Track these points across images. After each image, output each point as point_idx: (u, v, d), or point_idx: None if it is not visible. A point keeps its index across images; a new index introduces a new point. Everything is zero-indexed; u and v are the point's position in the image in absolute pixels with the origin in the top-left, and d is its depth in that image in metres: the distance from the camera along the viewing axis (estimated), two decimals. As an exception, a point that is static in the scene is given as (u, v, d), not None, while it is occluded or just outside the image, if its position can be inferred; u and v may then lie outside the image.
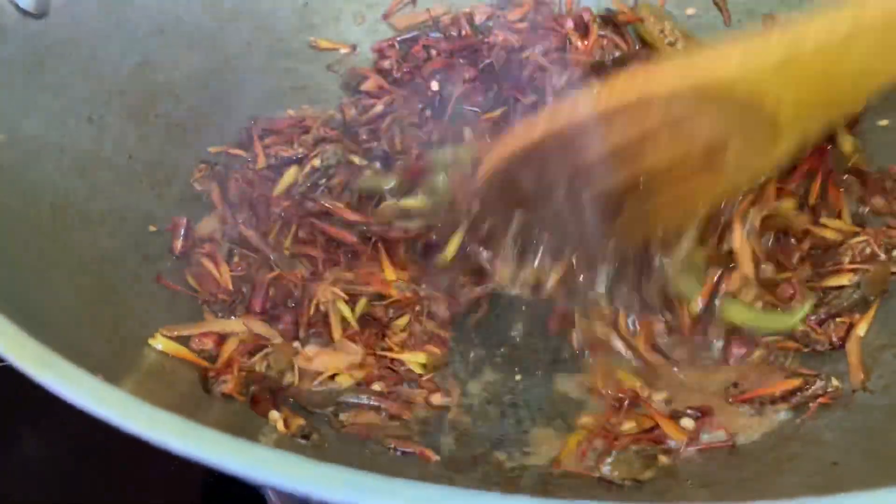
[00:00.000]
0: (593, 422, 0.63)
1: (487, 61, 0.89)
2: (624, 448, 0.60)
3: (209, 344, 0.64)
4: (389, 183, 0.76)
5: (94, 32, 0.73)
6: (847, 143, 0.78)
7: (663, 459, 0.60)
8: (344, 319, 0.70)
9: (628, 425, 0.62)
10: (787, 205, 0.71)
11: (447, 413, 0.66)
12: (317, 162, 0.79)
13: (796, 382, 0.64)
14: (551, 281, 0.70)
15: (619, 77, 0.58)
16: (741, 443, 0.61)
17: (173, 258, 0.71)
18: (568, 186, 0.62)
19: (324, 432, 0.62)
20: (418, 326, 0.69)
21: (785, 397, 0.63)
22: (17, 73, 0.65)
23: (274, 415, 0.61)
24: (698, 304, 0.66)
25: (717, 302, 0.66)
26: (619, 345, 0.68)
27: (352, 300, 0.71)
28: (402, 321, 0.70)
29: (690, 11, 0.91)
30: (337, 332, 0.68)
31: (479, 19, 0.93)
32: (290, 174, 0.79)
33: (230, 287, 0.70)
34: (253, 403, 0.61)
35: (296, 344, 0.67)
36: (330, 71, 0.91)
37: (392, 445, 0.62)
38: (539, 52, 0.87)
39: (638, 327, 0.68)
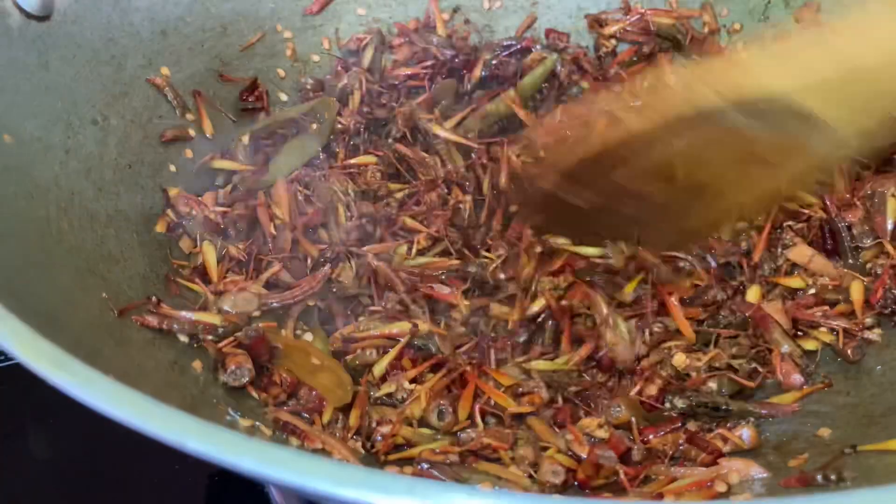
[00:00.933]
0: None
1: (495, 63, 0.91)
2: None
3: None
4: None
5: (98, 34, 0.73)
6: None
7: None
8: None
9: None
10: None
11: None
12: None
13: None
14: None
15: (669, 86, 0.58)
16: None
17: (179, 258, 0.72)
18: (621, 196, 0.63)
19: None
20: None
21: None
22: (22, 75, 0.65)
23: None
24: None
25: None
26: None
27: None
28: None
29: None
30: None
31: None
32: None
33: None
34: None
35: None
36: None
37: None
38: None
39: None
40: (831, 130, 0.50)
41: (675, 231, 0.68)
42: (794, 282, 0.72)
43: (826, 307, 0.70)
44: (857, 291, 0.69)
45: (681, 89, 0.57)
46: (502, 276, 0.74)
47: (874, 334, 0.67)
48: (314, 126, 0.84)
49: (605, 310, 0.68)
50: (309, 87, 0.89)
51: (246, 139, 0.81)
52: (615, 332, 0.67)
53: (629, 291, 0.71)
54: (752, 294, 0.71)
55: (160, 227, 0.73)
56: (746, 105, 0.51)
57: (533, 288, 0.73)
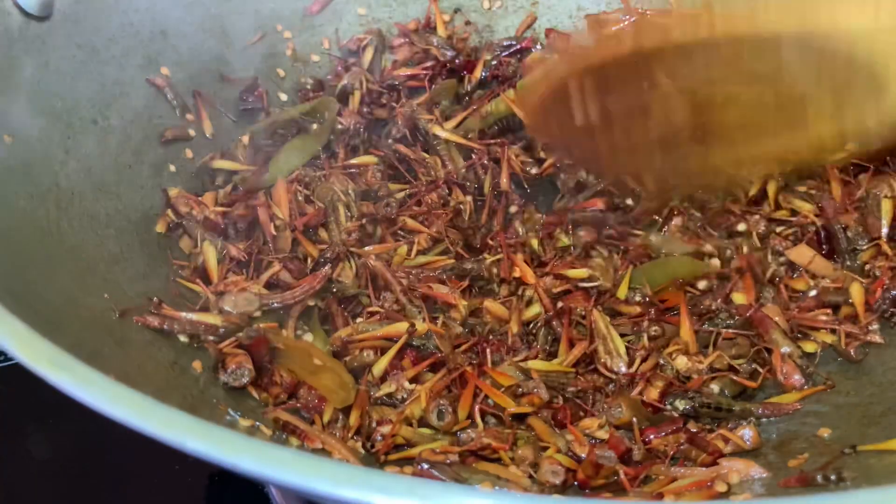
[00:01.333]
0: None
1: (495, 63, 0.91)
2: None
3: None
4: None
5: (97, 34, 0.73)
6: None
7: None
8: None
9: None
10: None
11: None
12: None
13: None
14: None
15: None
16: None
17: (179, 258, 0.72)
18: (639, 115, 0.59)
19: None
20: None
21: None
22: (21, 74, 0.65)
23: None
24: None
25: None
26: None
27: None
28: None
29: None
30: None
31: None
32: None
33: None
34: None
35: None
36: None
37: None
38: None
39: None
40: (886, 92, 0.48)
41: (687, 165, 0.64)
42: (799, 284, 0.72)
43: (828, 310, 0.70)
44: (857, 294, 0.69)
45: (745, 6, 0.53)
46: (496, 270, 0.74)
47: (876, 336, 0.67)
48: (314, 126, 0.84)
49: (602, 327, 0.68)
50: (309, 87, 0.89)
51: (246, 139, 0.81)
52: (610, 347, 0.67)
53: (622, 296, 0.72)
54: (739, 297, 0.71)
55: (160, 227, 0.73)
56: (807, 40, 0.49)
57: (527, 294, 0.73)
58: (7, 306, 0.42)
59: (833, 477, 0.53)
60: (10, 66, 0.64)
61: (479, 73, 0.91)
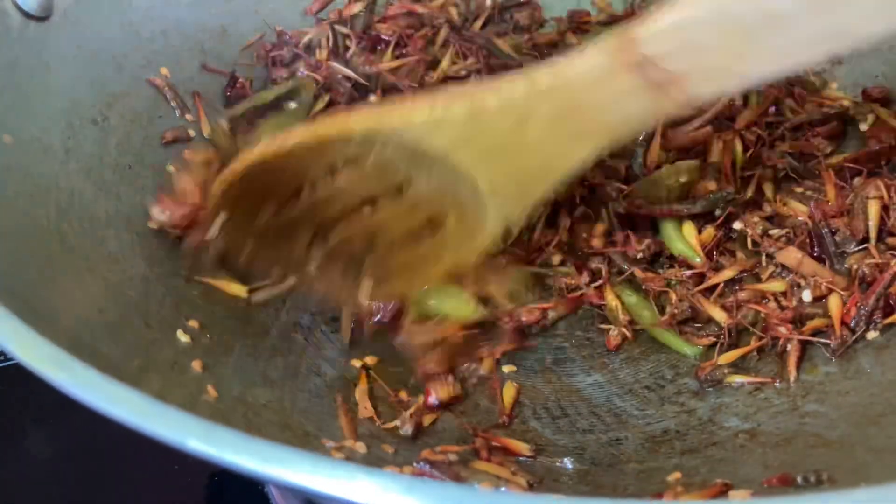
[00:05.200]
0: None
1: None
2: None
3: None
4: None
5: (97, 34, 0.73)
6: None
7: None
8: None
9: None
10: None
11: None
12: None
13: None
14: None
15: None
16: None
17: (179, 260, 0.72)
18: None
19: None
20: None
21: None
22: (21, 75, 0.65)
23: None
24: None
25: None
26: None
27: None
28: None
29: None
30: None
31: None
32: None
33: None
34: None
35: None
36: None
37: None
38: None
39: None
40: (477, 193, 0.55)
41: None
42: (776, 285, 0.72)
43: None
44: (835, 306, 0.68)
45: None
46: None
47: (872, 334, 0.67)
48: (293, 105, 0.83)
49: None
50: (268, 49, 0.87)
51: (225, 124, 0.80)
52: None
53: None
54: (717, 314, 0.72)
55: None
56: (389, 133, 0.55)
57: None
58: (7, 306, 0.42)
59: (812, 479, 0.53)
60: (10, 66, 0.64)
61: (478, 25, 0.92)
